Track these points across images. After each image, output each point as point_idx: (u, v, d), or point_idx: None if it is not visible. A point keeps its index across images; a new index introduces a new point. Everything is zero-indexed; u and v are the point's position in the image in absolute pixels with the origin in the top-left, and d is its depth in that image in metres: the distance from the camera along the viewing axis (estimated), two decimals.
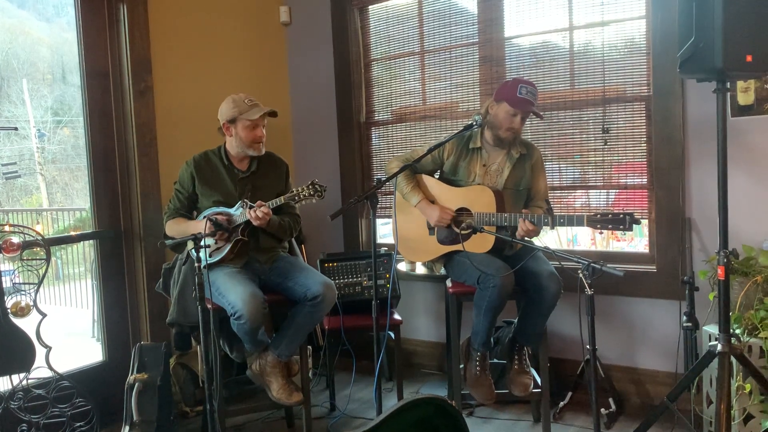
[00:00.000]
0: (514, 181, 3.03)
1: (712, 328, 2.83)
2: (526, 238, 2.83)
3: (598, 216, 2.60)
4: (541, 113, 3.03)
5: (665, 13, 3.12)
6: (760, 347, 2.64)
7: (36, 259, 2.87)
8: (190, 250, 2.98)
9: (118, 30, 3.44)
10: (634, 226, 2.58)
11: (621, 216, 2.56)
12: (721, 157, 2.48)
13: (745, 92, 2.99)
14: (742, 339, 2.66)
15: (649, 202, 3.35)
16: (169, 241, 2.88)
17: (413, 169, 3.12)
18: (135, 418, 2.92)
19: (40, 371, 2.82)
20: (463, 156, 3.08)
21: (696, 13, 2.37)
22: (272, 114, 3.02)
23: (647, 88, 3.29)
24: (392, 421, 2.06)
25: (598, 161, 3.47)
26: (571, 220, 2.72)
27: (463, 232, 2.92)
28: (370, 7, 4.18)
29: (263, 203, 2.83)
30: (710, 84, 2.49)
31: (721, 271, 2.46)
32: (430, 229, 3.12)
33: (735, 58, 2.31)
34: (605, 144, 3.41)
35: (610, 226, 2.58)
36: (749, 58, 2.31)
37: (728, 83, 2.46)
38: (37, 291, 2.83)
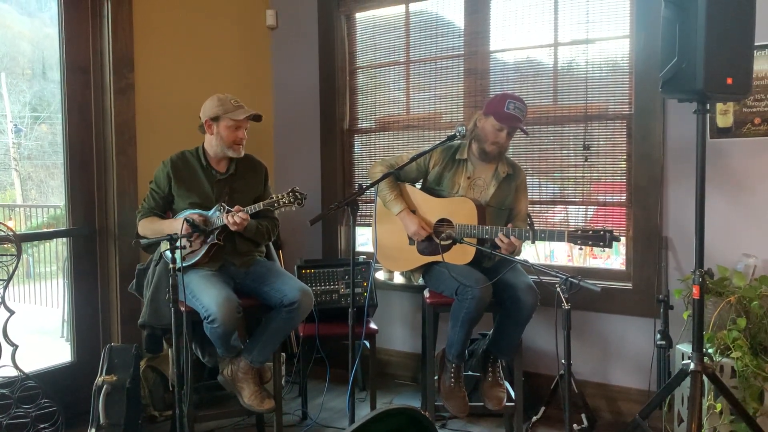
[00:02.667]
0: (498, 200, 3.04)
1: (686, 347, 2.85)
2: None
3: (579, 232, 2.62)
4: (528, 130, 3.04)
5: (648, 34, 3.16)
6: (732, 367, 2.67)
7: (6, 255, 2.81)
8: (164, 251, 2.93)
9: (101, 26, 3.40)
10: (612, 243, 2.60)
11: (601, 233, 2.58)
12: (699, 177, 2.52)
13: (724, 114, 3.04)
14: (714, 358, 2.69)
15: (626, 220, 3.37)
16: (143, 241, 2.84)
17: (396, 176, 3.11)
18: (102, 420, 2.86)
19: (5, 370, 2.75)
20: (448, 167, 3.08)
21: (679, 34, 2.41)
22: (256, 118, 2.99)
23: (629, 107, 3.33)
24: (364, 431, 2.04)
25: (578, 177, 3.49)
26: (552, 235, 2.73)
27: (443, 242, 2.91)
28: (357, 14, 4.19)
29: (241, 208, 2.80)
30: (690, 105, 2.53)
31: (696, 291, 2.49)
32: (411, 238, 3.11)
33: (716, 80, 2.36)
34: (585, 160, 3.44)
35: (590, 243, 2.60)
36: (730, 81, 2.36)
37: (708, 105, 2.51)
38: (5, 287, 2.77)
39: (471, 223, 2.90)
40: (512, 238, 2.74)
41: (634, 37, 3.26)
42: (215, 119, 2.92)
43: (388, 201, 3.10)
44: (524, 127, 2.95)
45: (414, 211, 3.09)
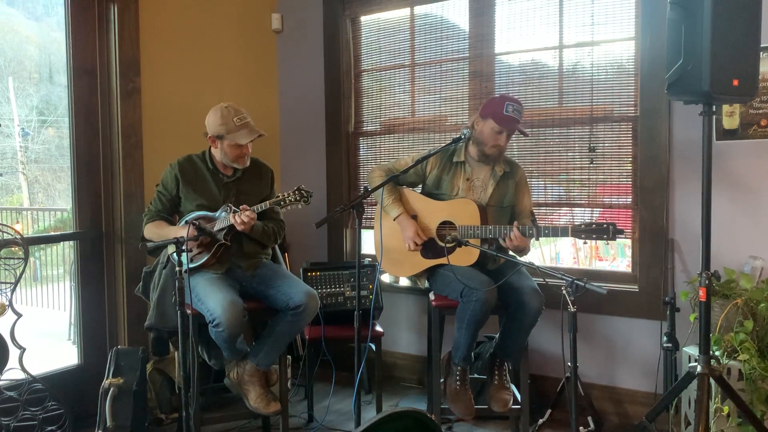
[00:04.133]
0: (497, 198, 3.03)
1: (692, 350, 2.84)
2: (510, 252, 2.83)
3: (582, 226, 2.63)
4: (527, 131, 3.05)
5: (654, 36, 3.16)
6: (739, 370, 2.66)
7: (13, 258, 2.82)
8: (171, 254, 2.94)
9: (107, 30, 3.42)
10: (616, 243, 2.61)
11: (604, 226, 2.59)
12: (705, 179, 2.51)
13: (731, 116, 3.03)
14: (721, 361, 2.68)
15: (632, 222, 3.37)
16: (150, 244, 2.85)
17: (396, 181, 3.11)
18: (108, 423, 2.87)
19: (12, 373, 2.76)
20: (446, 170, 3.08)
21: (684, 36, 2.41)
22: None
23: (634, 109, 3.32)
24: None
25: (583, 179, 3.49)
26: (555, 231, 2.74)
27: (447, 245, 2.91)
28: (362, 18, 4.19)
29: (247, 208, 2.81)
30: (696, 107, 2.53)
31: (702, 293, 2.48)
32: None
33: (722, 81, 2.35)
34: (591, 162, 3.44)
35: (594, 236, 2.61)
36: (736, 83, 2.35)
37: (714, 106, 2.50)
38: (13, 291, 2.78)
39: (474, 224, 2.90)
40: (515, 230, 2.74)
41: (640, 38, 3.26)
42: (218, 137, 2.93)
43: (387, 205, 3.10)
44: (523, 129, 2.95)
45: (415, 217, 3.09)
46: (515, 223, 2.81)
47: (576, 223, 2.71)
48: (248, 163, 3.02)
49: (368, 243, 4.11)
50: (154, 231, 2.99)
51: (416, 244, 3.02)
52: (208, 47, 3.95)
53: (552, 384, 3.41)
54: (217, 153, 3.00)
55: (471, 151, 3.06)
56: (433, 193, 3.12)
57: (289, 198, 2.80)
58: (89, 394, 3.17)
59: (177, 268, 2.57)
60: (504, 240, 2.80)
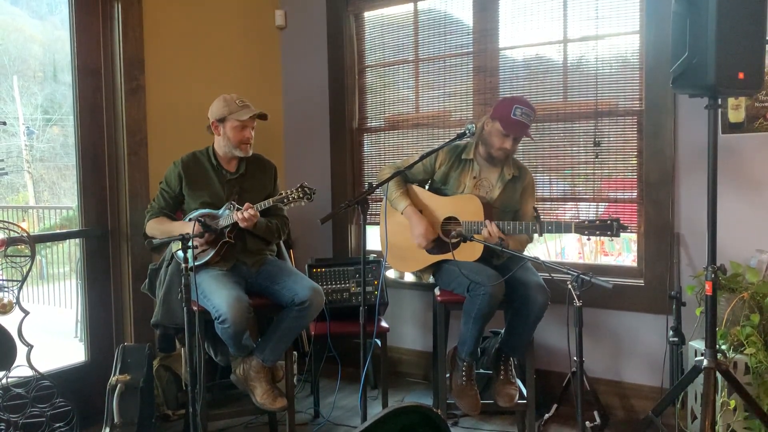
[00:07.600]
0: (503, 201, 3.03)
1: (699, 344, 2.84)
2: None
3: (586, 222, 2.63)
4: (532, 136, 3.02)
5: (659, 29, 3.15)
6: (746, 363, 2.65)
7: (20, 256, 2.83)
8: (176, 251, 2.95)
9: (111, 28, 3.42)
10: (621, 238, 2.60)
11: (608, 222, 2.59)
12: (710, 173, 2.50)
13: (736, 110, 3.01)
14: (727, 355, 2.67)
15: (638, 216, 3.36)
16: (156, 241, 2.86)
17: (404, 177, 3.11)
18: (116, 419, 2.88)
19: (20, 370, 2.77)
20: (454, 166, 3.08)
21: (690, 29, 2.40)
22: (262, 117, 3.01)
23: (639, 103, 3.31)
24: (377, 429, 2.04)
25: (588, 174, 3.48)
26: (559, 227, 2.73)
27: (452, 240, 2.91)
28: (365, 13, 4.19)
29: (251, 205, 2.81)
30: (702, 100, 2.52)
31: (708, 287, 2.48)
32: None
33: (727, 74, 2.34)
34: (596, 157, 3.43)
35: (597, 232, 2.60)
36: (741, 76, 2.34)
37: (720, 100, 2.49)
38: (20, 288, 2.79)
39: (478, 220, 2.90)
40: (493, 227, 2.75)
41: (644, 32, 3.24)
42: (221, 120, 2.95)
43: (394, 199, 3.10)
44: (531, 133, 2.93)
45: (420, 212, 3.08)
46: (488, 221, 2.80)
47: (580, 219, 2.70)
48: (250, 153, 3.02)
49: (373, 239, 4.12)
50: (157, 227, 3.00)
51: (428, 241, 3.01)
52: (211, 44, 3.95)
53: (558, 379, 3.41)
54: (219, 143, 3.01)
55: (480, 151, 3.05)
56: (439, 189, 3.12)
57: (292, 195, 2.81)
58: (96, 391, 3.19)
59: (182, 265, 2.58)
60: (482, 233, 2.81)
